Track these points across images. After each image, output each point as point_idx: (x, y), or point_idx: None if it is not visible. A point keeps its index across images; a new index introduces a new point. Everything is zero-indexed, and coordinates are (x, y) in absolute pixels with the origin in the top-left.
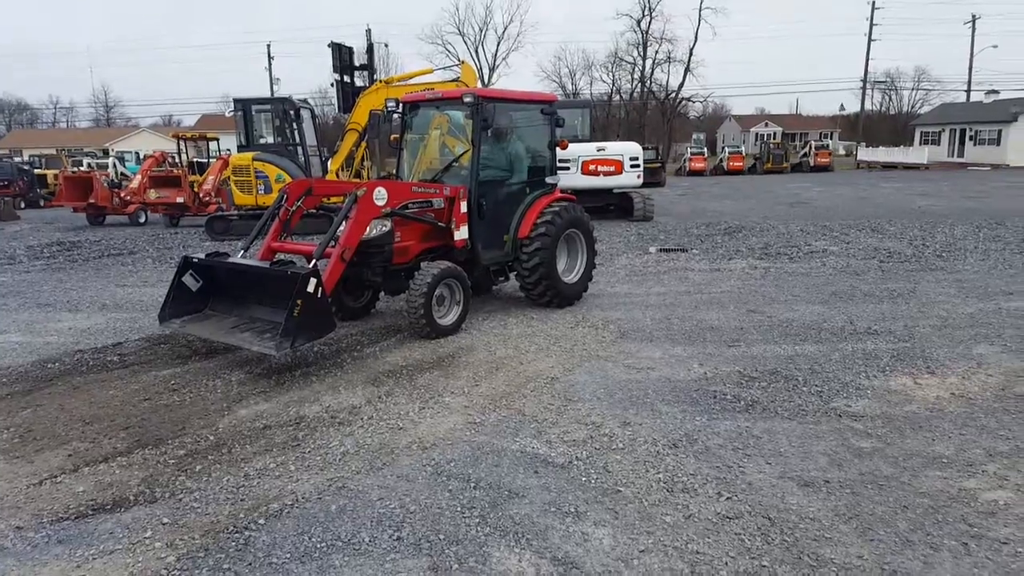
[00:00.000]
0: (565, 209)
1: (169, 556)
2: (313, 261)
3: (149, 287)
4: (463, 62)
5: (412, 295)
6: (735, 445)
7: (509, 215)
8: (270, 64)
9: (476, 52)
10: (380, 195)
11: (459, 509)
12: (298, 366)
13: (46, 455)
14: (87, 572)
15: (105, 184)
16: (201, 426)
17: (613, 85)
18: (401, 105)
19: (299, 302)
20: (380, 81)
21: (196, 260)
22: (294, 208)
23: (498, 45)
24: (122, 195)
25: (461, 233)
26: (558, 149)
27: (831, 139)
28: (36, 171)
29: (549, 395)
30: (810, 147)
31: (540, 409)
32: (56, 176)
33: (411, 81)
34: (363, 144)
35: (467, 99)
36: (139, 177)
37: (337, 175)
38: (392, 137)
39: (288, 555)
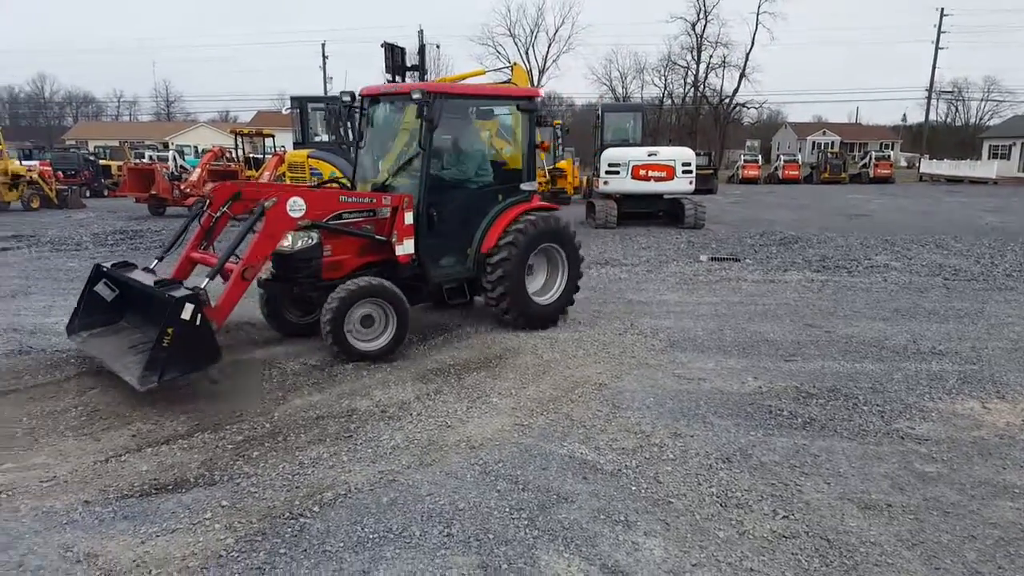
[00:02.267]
0: (540, 220)
1: (228, 538)
2: (201, 283)
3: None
4: (515, 63)
5: (323, 316)
6: (792, 463)
7: (472, 226)
8: (324, 63)
9: (526, 54)
10: (296, 205)
11: (508, 510)
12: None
13: (112, 434)
14: (150, 549)
15: (166, 176)
16: (257, 413)
17: (665, 89)
18: (360, 99)
19: (169, 331)
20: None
21: (106, 269)
22: (219, 214)
23: (548, 47)
24: (182, 187)
25: (404, 247)
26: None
27: (892, 150)
28: (101, 162)
29: (597, 401)
30: (870, 157)
31: (588, 415)
32: (120, 167)
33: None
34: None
35: (415, 95)
36: (198, 170)
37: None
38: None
39: (342, 544)
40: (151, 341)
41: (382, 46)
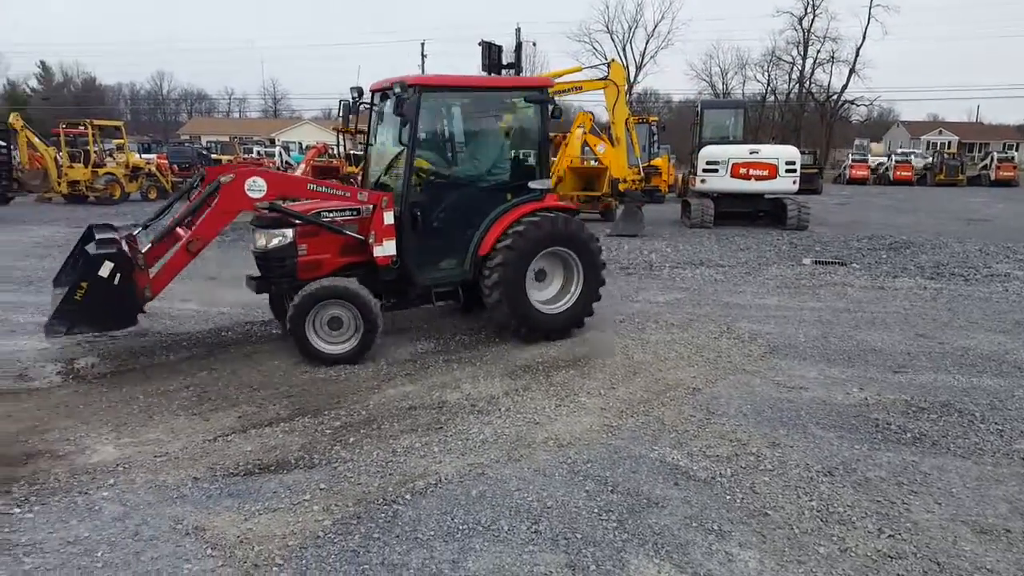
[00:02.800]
0: (546, 222)
1: (326, 520)
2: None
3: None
4: (612, 60)
5: (287, 315)
6: (899, 479)
7: (472, 227)
8: (423, 62)
9: (624, 50)
10: (255, 185)
11: (596, 511)
12: (440, 353)
13: (219, 415)
14: (254, 525)
15: (273, 170)
16: (354, 401)
17: (768, 85)
18: (371, 94)
19: (83, 285)
20: None
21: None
22: (207, 193)
23: (647, 43)
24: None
25: (384, 249)
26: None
27: (1016, 151)
28: (213, 156)
29: (690, 406)
30: (991, 159)
31: (680, 420)
32: (230, 162)
33: (559, 80)
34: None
35: (395, 89)
36: (303, 165)
37: None
38: (346, 128)
39: (432, 532)
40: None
41: (480, 44)
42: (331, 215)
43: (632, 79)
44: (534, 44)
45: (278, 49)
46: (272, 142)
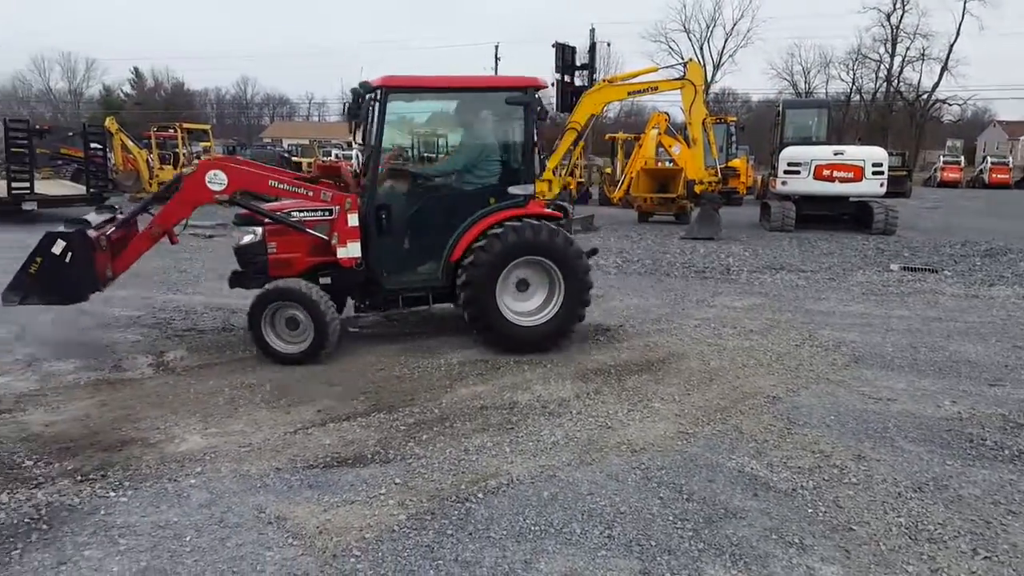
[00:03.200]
0: (524, 229)
1: (400, 514)
2: (84, 227)
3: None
4: (689, 60)
5: (247, 314)
6: (996, 498)
7: (443, 233)
8: (496, 65)
9: (701, 49)
10: (216, 178)
11: (671, 519)
12: (511, 353)
13: (300, 408)
14: (332, 517)
15: (352, 173)
16: (427, 399)
17: (853, 84)
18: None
19: (37, 260)
20: (604, 80)
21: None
22: (171, 183)
23: (725, 42)
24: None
25: (348, 251)
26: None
27: None
28: (293, 158)
29: (770, 415)
30: None
31: (759, 429)
32: (309, 164)
33: (634, 80)
34: (580, 144)
35: (359, 89)
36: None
37: (554, 173)
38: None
39: (504, 532)
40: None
41: (553, 46)
42: (301, 214)
43: (710, 79)
44: (608, 45)
45: (354, 55)
46: (350, 145)
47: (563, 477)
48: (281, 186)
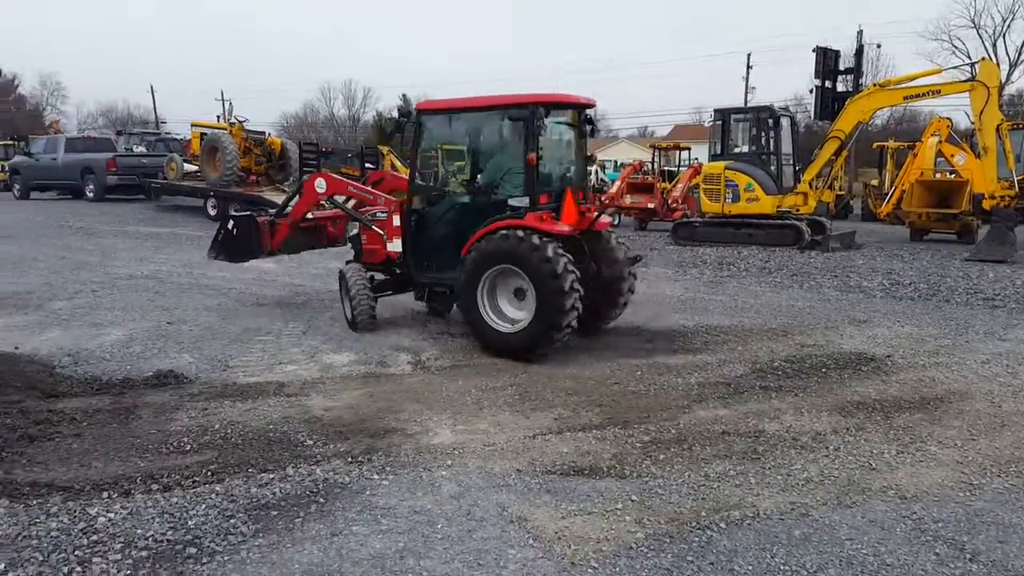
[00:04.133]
0: (497, 239)
1: (638, 532)
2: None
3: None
4: (982, 59)
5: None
6: None
7: (463, 239)
8: (747, 73)
9: (994, 46)
10: (319, 185)
11: None
12: (757, 378)
13: (538, 414)
14: (569, 524)
15: (590, 188)
16: (663, 418)
17: None
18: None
19: (220, 232)
20: (874, 84)
21: None
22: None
23: None
24: (602, 199)
25: (393, 245)
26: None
27: None
28: None
29: None
30: None
31: None
32: None
33: (912, 83)
34: (843, 154)
35: (400, 113)
36: (619, 183)
37: (810, 186)
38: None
39: (750, 567)
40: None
41: (814, 50)
42: (375, 215)
43: (1004, 79)
44: (878, 46)
45: (597, 71)
46: (589, 160)
47: (817, 517)
48: (354, 190)
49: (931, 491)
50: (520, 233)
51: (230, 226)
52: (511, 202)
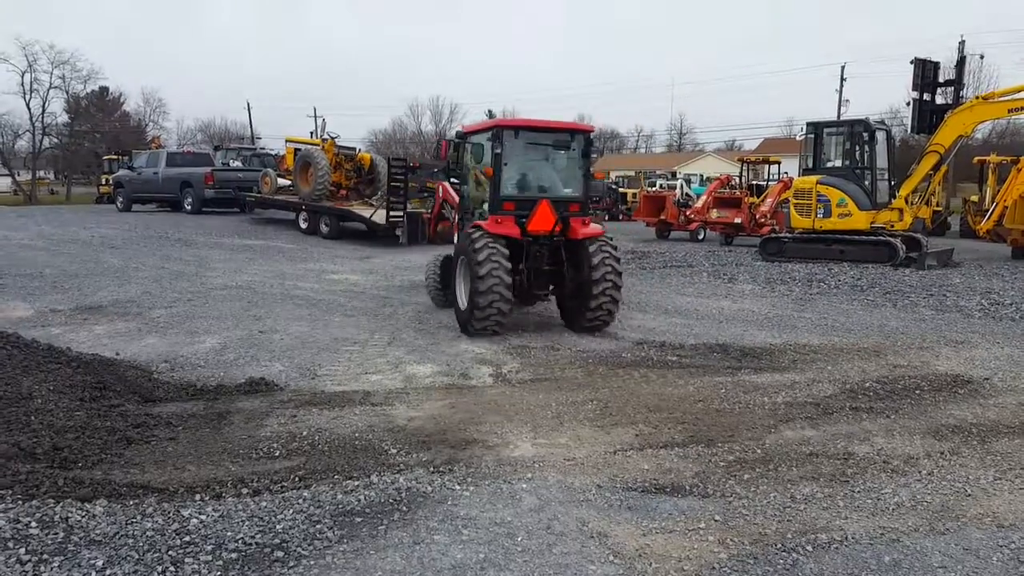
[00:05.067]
0: (462, 236)
1: (721, 553)
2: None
3: (704, 298)
4: None
5: None
6: None
7: None
8: (841, 85)
9: None
10: (440, 190)
11: None
12: (847, 398)
13: (619, 430)
14: (650, 542)
15: (674, 203)
16: (748, 437)
17: None
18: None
19: (402, 225)
20: (977, 97)
21: None
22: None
23: None
24: (687, 213)
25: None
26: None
27: None
28: (620, 190)
29: None
30: None
31: None
32: (635, 194)
33: (1017, 96)
34: (942, 168)
35: (456, 135)
36: (705, 197)
37: (906, 202)
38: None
39: None
40: None
41: (912, 62)
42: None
43: None
44: (981, 57)
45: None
46: (674, 175)
47: (908, 543)
48: (444, 194)
49: None
50: (471, 231)
51: (404, 219)
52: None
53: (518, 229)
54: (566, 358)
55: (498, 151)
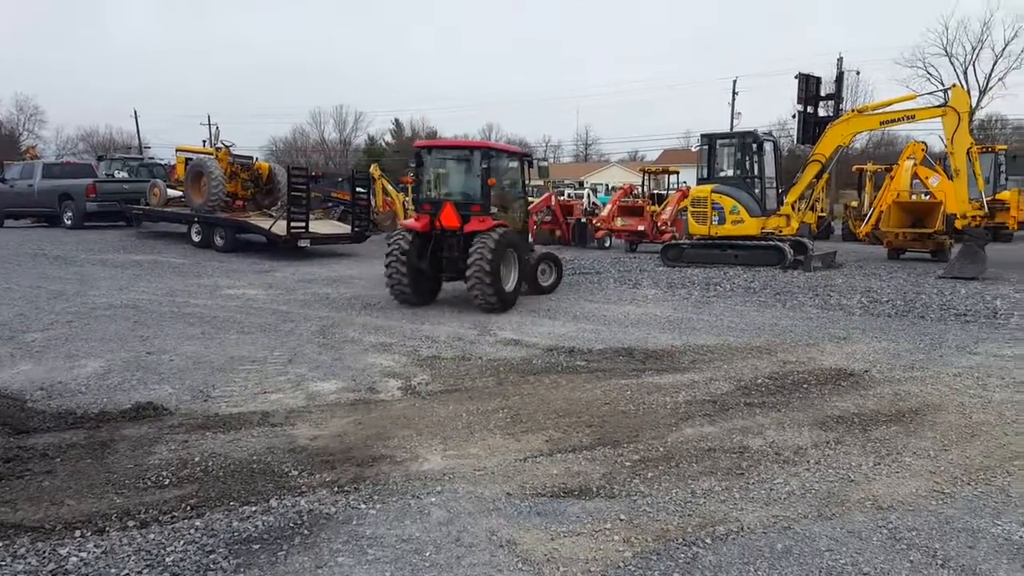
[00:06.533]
0: None
1: (626, 551)
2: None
3: (611, 304)
4: (953, 85)
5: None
6: None
7: None
8: (733, 99)
9: (965, 74)
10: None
11: None
12: (741, 395)
13: (529, 437)
14: (559, 546)
15: (582, 211)
16: (652, 436)
17: None
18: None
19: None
20: (852, 110)
21: None
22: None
23: (994, 65)
24: (593, 221)
25: None
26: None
27: None
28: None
29: None
30: None
31: None
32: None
33: (889, 109)
34: (824, 176)
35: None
36: (610, 206)
37: (793, 208)
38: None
39: None
40: None
41: (796, 77)
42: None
43: (975, 104)
44: (857, 73)
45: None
46: (581, 184)
47: (799, 530)
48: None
49: (906, 501)
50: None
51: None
52: None
53: (428, 223)
54: (477, 367)
55: (419, 165)
